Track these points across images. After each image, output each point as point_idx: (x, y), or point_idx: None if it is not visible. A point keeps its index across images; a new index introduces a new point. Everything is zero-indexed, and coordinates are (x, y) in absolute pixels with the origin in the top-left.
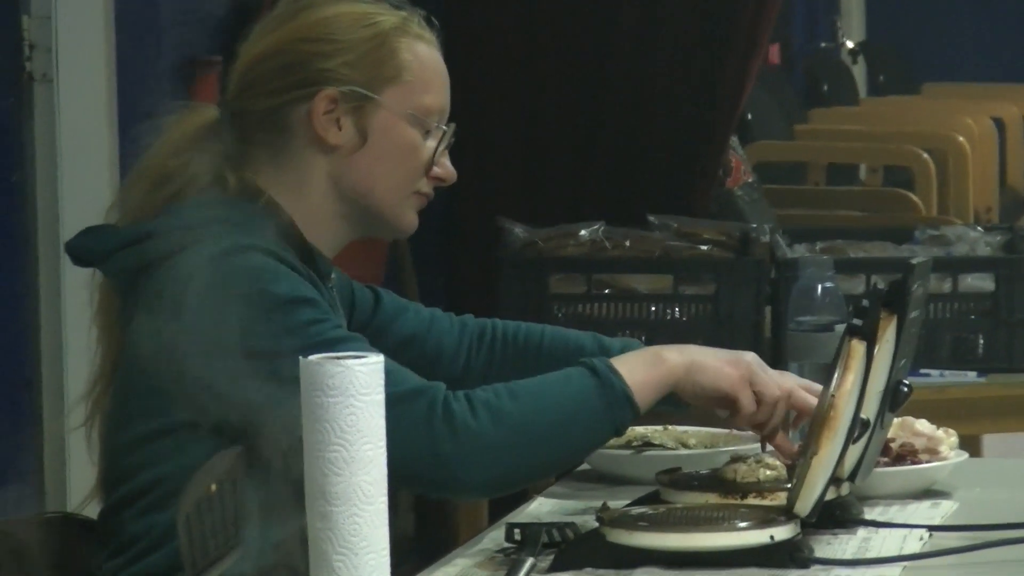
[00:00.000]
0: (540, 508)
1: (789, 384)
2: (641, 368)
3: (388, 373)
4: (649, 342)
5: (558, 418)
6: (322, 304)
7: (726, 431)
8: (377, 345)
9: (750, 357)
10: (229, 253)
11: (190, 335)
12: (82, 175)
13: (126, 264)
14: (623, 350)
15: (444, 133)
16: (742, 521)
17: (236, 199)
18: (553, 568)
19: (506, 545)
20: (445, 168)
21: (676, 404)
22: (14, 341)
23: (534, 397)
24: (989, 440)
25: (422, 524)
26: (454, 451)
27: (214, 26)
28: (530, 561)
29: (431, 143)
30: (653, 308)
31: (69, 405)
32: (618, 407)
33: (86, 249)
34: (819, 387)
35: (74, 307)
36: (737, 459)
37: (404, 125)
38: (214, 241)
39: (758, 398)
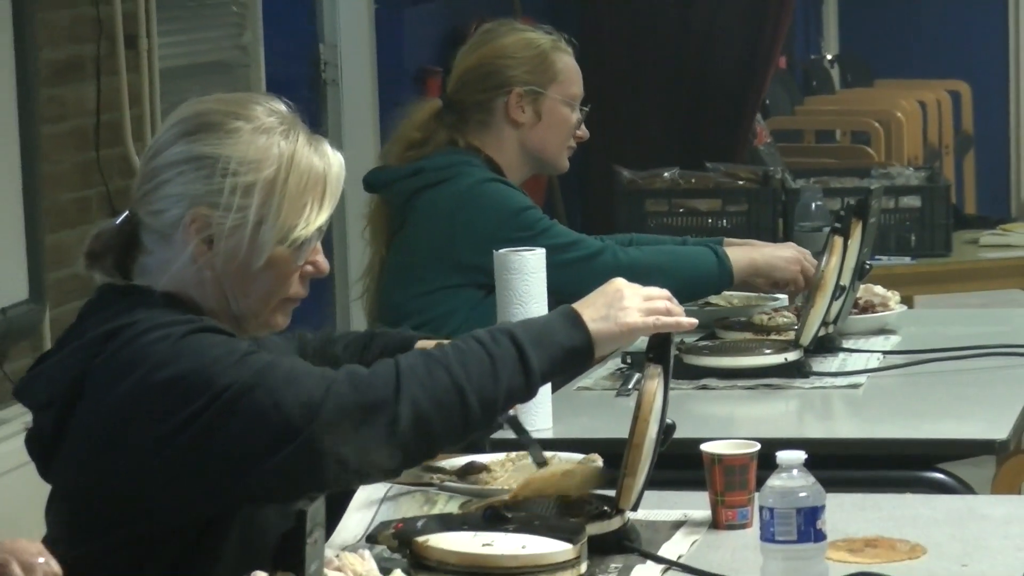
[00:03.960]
0: (641, 342)
1: (798, 267)
2: (740, 257)
3: (580, 240)
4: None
5: (689, 274)
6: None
7: (756, 294)
8: None
9: (800, 251)
10: (482, 182)
11: (462, 231)
12: (357, 143)
13: (403, 189)
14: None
15: (583, 111)
16: (767, 349)
17: (467, 152)
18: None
19: (621, 365)
20: (584, 131)
21: None
22: None
23: (677, 260)
24: (919, 298)
25: None
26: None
27: (436, 46)
28: (637, 375)
29: (576, 116)
30: (710, 220)
31: (351, 283)
32: (725, 275)
33: (375, 180)
34: (808, 252)
35: (353, 221)
36: (764, 312)
37: (562, 107)
38: (470, 175)
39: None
